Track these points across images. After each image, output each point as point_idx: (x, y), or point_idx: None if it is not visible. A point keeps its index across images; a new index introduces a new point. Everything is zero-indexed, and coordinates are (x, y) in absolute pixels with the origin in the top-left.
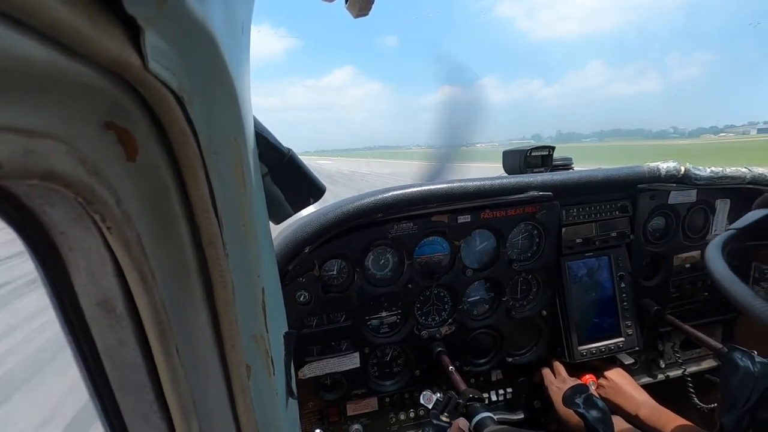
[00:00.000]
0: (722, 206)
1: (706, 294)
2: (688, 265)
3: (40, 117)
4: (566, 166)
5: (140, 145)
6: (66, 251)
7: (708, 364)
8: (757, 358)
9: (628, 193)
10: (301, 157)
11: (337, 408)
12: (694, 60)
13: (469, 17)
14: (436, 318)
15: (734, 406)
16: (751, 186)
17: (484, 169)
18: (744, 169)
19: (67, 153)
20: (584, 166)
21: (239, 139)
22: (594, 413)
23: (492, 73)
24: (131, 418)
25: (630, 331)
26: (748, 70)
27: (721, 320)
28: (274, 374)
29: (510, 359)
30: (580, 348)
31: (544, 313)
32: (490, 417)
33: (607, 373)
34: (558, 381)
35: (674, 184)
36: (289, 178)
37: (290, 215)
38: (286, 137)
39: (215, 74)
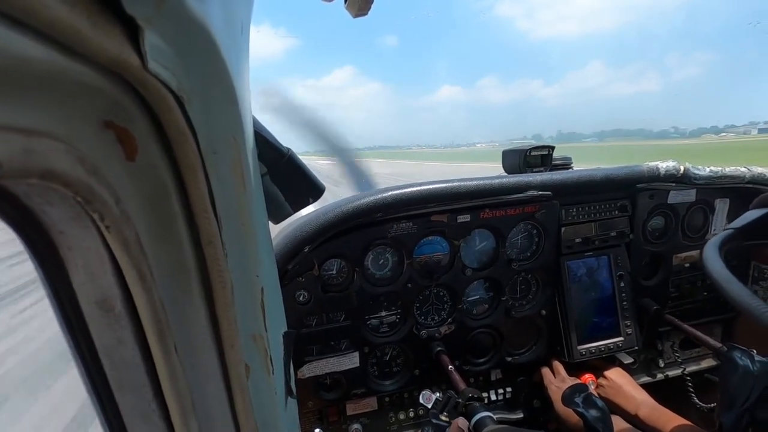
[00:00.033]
0: (721, 206)
1: (706, 293)
2: (687, 265)
3: (39, 116)
4: (566, 165)
5: (139, 144)
6: (65, 250)
7: (707, 363)
8: (757, 357)
9: (627, 193)
10: (301, 157)
11: (337, 407)
12: (694, 60)
13: (469, 17)
14: (436, 317)
15: (733, 406)
16: (751, 185)
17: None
18: (743, 169)
19: (66, 152)
20: (585, 166)
21: (238, 139)
22: (593, 413)
23: (492, 73)
24: (130, 417)
25: (629, 331)
26: (748, 70)
27: (721, 319)
28: (273, 374)
29: (509, 359)
30: (580, 347)
31: (544, 312)
32: (490, 416)
33: (607, 373)
34: (557, 380)
35: (673, 184)
36: (288, 178)
37: (289, 215)
38: (285, 137)
39: (214, 74)
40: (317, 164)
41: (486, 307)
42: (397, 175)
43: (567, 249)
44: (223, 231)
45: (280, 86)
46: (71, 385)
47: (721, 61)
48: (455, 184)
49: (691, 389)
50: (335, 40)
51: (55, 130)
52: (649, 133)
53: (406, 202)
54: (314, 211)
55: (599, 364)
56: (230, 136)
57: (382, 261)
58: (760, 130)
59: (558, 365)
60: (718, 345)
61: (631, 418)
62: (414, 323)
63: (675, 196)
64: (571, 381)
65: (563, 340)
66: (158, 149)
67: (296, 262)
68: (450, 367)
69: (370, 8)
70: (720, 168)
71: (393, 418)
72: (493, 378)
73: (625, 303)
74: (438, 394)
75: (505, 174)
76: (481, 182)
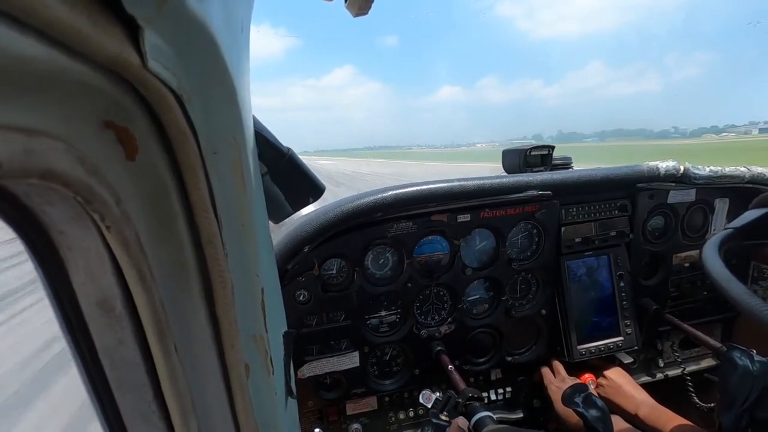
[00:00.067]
0: (721, 205)
1: (705, 293)
2: (687, 265)
3: (39, 116)
4: (566, 165)
5: (140, 144)
6: (65, 250)
7: (707, 363)
8: (756, 357)
9: (627, 193)
10: (301, 157)
11: (337, 407)
12: (694, 60)
13: (468, 17)
14: (436, 317)
15: (733, 405)
16: (750, 185)
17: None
18: (743, 168)
19: (66, 152)
20: (585, 166)
21: (239, 139)
22: (593, 412)
23: (492, 73)
24: (130, 417)
25: (629, 330)
26: (747, 69)
27: (720, 319)
28: (273, 373)
29: (509, 358)
30: (580, 347)
31: (544, 312)
32: (490, 416)
33: (607, 373)
34: (557, 380)
35: (673, 184)
36: (288, 178)
37: (290, 215)
38: (286, 137)
39: (214, 73)
40: (317, 164)
41: (486, 307)
42: (397, 175)
43: (567, 249)
44: (224, 231)
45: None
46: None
47: (721, 61)
48: (455, 183)
49: (690, 389)
50: (335, 39)
51: (55, 129)
52: (650, 133)
53: (406, 202)
54: (314, 210)
55: (599, 363)
56: (230, 135)
57: (382, 260)
58: (761, 130)
59: (558, 365)
60: (718, 345)
61: (631, 418)
62: (414, 323)
63: (675, 196)
64: (571, 381)
65: (563, 339)
66: (158, 149)
67: (296, 261)
68: (450, 366)
69: (370, 7)
70: (720, 168)
71: (393, 418)
72: (493, 378)
73: (624, 303)
74: (438, 394)
75: (505, 174)
76: (481, 182)
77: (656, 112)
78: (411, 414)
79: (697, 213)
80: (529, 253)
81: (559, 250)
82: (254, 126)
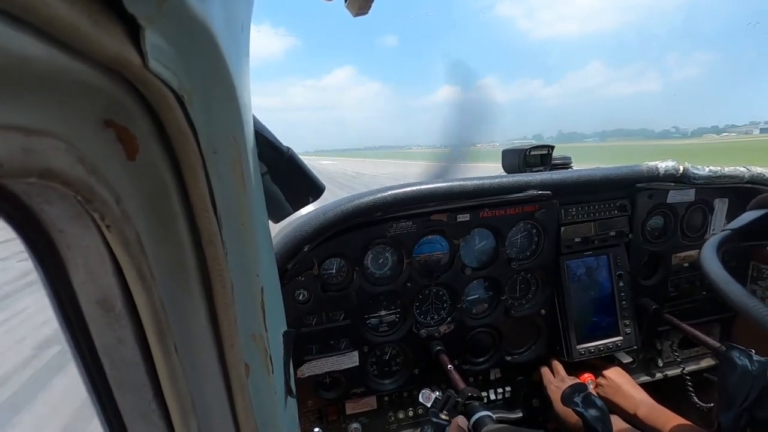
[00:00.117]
0: (720, 205)
1: (704, 293)
2: (686, 264)
3: (39, 115)
4: (565, 165)
5: (140, 143)
6: (65, 249)
7: (706, 362)
8: (755, 357)
9: (626, 193)
10: (301, 157)
11: (336, 407)
12: (693, 60)
13: (468, 17)
14: (435, 317)
15: (732, 405)
16: (750, 185)
17: (489, 169)
18: (742, 169)
19: (66, 151)
20: (586, 166)
21: (239, 138)
22: (592, 412)
23: (492, 73)
24: (130, 417)
25: (628, 330)
26: (747, 69)
27: (719, 319)
28: (272, 373)
29: (509, 358)
30: (579, 347)
31: (543, 312)
32: (489, 416)
33: (606, 372)
34: (557, 380)
35: (673, 184)
36: (288, 177)
37: (289, 214)
38: (286, 137)
39: (215, 73)
40: (318, 164)
41: (485, 307)
42: (399, 176)
43: (566, 248)
44: (224, 230)
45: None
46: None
47: (721, 61)
48: (455, 183)
49: (690, 389)
50: (335, 39)
51: (55, 128)
52: (651, 133)
53: (405, 201)
54: (314, 210)
55: (598, 363)
56: (230, 135)
57: (381, 260)
58: (762, 130)
59: (557, 365)
60: (717, 344)
61: (630, 418)
62: (413, 322)
63: (674, 196)
64: (571, 380)
65: (562, 339)
66: (159, 148)
67: (296, 261)
68: (449, 366)
69: (370, 7)
70: (719, 168)
71: (392, 417)
72: (492, 377)
73: (624, 302)
74: (437, 393)
75: (505, 173)
76: (481, 182)
77: (657, 112)
78: (410, 413)
79: (696, 213)
80: (528, 253)
81: (559, 250)
82: (254, 126)
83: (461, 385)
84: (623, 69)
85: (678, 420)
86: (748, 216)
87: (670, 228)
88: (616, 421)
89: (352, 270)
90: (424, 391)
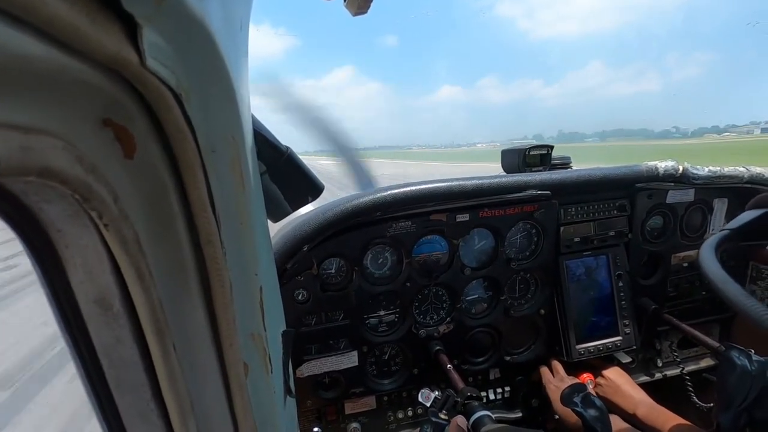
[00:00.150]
0: (720, 206)
1: (704, 293)
2: (685, 264)
3: (37, 114)
4: (564, 165)
5: (138, 142)
6: (63, 248)
7: (705, 362)
8: (754, 357)
9: (626, 192)
10: (301, 157)
11: (335, 406)
12: (693, 60)
13: (468, 17)
14: (435, 317)
15: (731, 405)
16: (749, 185)
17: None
18: (742, 169)
19: (64, 150)
20: (586, 166)
21: (237, 137)
22: (592, 412)
23: (492, 73)
24: (129, 417)
25: (628, 330)
26: (747, 69)
27: (719, 319)
28: (271, 373)
29: (508, 358)
30: (578, 347)
31: (542, 311)
32: (488, 415)
33: (605, 372)
34: (556, 380)
35: (672, 184)
36: (287, 177)
37: (288, 214)
38: (285, 137)
39: (213, 72)
40: (317, 164)
41: (485, 307)
42: (400, 176)
43: (566, 248)
44: (222, 230)
45: (284, 85)
46: None
47: (721, 61)
48: (454, 183)
49: (690, 389)
50: (335, 39)
51: (54, 127)
52: (651, 133)
53: (405, 201)
54: (313, 210)
55: (598, 363)
56: (229, 134)
57: (381, 260)
58: (763, 130)
59: (557, 364)
60: (716, 344)
61: (630, 418)
62: (413, 322)
63: (674, 196)
64: (570, 380)
65: (562, 339)
66: (157, 147)
67: (295, 261)
68: (449, 366)
69: (369, 6)
70: (719, 168)
71: (391, 417)
72: (491, 377)
73: (623, 302)
74: (437, 393)
75: (504, 173)
76: (480, 181)
77: (657, 112)
78: (410, 413)
79: (695, 213)
80: (527, 253)
81: (558, 250)
82: (253, 125)
83: (460, 384)
84: (623, 69)
85: (677, 420)
86: (747, 216)
87: (669, 228)
88: (616, 421)
89: (352, 270)
90: (423, 390)
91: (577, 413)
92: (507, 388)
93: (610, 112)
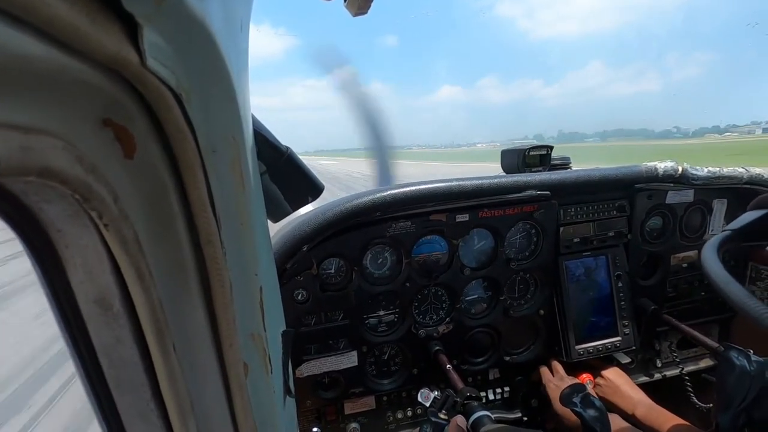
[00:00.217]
0: (719, 206)
1: (703, 293)
2: (685, 265)
3: (37, 114)
4: (564, 165)
5: (138, 142)
6: (63, 248)
7: (705, 363)
8: (753, 358)
9: (625, 193)
10: (301, 157)
11: (335, 406)
12: (693, 60)
13: (468, 17)
14: (434, 317)
15: (730, 405)
16: (749, 186)
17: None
18: (741, 169)
19: (64, 150)
20: (586, 166)
21: (238, 138)
22: (591, 412)
23: (492, 73)
24: (128, 417)
25: (627, 331)
26: (747, 70)
27: (718, 319)
28: (271, 373)
29: (507, 358)
30: (578, 347)
31: (542, 312)
32: (488, 415)
33: (604, 372)
34: (556, 379)
35: (672, 184)
36: (287, 177)
37: (288, 214)
38: (286, 137)
39: (213, 72)
40: (317, 164)
41: (484, 307)
42: (400, 177)
43: (565, 249)
44: (222, 230)
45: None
46: None
47: (721, 61)
48: (454, 183)
49: (688, 389)
50: (335, 39)
51: (54, 127)
52: (652, 133)
53: (404, 201)
54: (313, 210)
55: (597, 363)
56: (229, 134)
57: (380, 260)
58: (764, 130)
59: (556, 364)
60: (715, 345)
61: (629, 418)
62: (412, 322)
63: (673, 197)
64: (570, 380)
65: (561, 339)
66: (157, 148)
67: (295, 261)
68: (448, 366)
69: (369, 7)
70: (718, 169)
71: (391, 417)
72: (491, 377)
73: (623, 303)
74: (436, 393)
75: (504, 174)
76: (480, 182)
77: (657, 112)
78: (409, 413)
79: (695, 213)
80: (527, 253)
81: (558, 250)
82: (253, 125)
83: (460, 385)
84: (623, 69)
85: (676, 420)
86: (748, 216)
87: (668, 228)
88: (615, 421)
89: (351, 270)
90: (422, 390)
91: (577, 413)
92: (506, 388)
93: (611, 112)
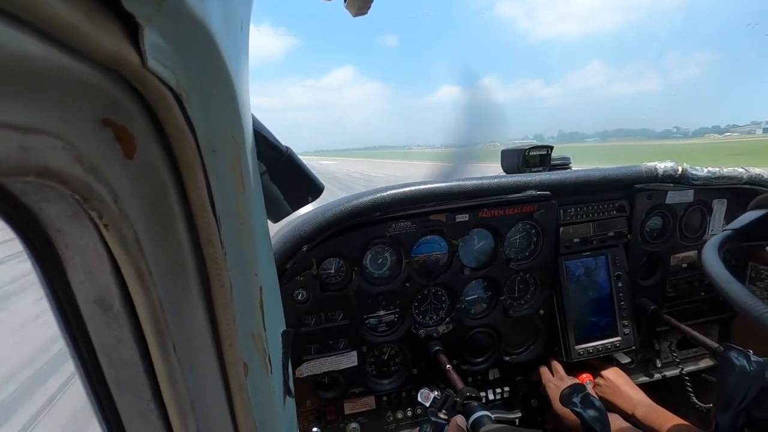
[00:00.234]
0: (719, 206)
1: (703, 293)
2: (684, 265)
3: (36, 114)
4: (564, 165)
5: (138, 142)
6: (62, 248)
7: (704, 363)
8: (753, 358)
9: (625, 193)
10: (301, 157)
11: (335, 406)
12: (693, 60)
13: (468, 17)
14: (434, 317)
15: (730, 406)
16: (748, 186)
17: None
18: (741, 170)
19: (64, 150)
20: (586, 167)
21: (238, 138)
22: (591, 412)
23: (492, 73)
24: (128, 417)
25: (627, 331)
26: (747, 70)
27: (718, 320)
28: (271, 373)
29: (507, 358)
30: (577, 347)
31: (542, 312)
32: (488, 415)
33: (604, 373)
34: (555, 380)
35: (672, 184)
36: (287, 177)
37: (288, 214)
38: (286, 137)
39: (214, 72)
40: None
41: (484, 307)
42: (400, 178)
43: (565, 249)
44: (222, 230)
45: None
46: None
47: (721, 61)
48: (454, 183)
49: (688, 389)
50: (335, 39)
51: (53, 127)
52: (652, 133)
53: (404, 202)
54: (313, 210)
55: (597, 363)
56: (229, 134)
57: (380, 260)
58: (765, 130)
59: (556, 365)
60: (715, 345)
61: (629, 418)
62: (412, 322)
63: (673, 197)
64: (570, 380)
65: (561, 339)
66: (157, 148)
67: (295, 261)
68: (448, 366)
69: (369, 7)
70: (718, 169)
71: (391, 417)
72: (491, 377)
73: (622, 303)
74: (436, 393)
75: (504, 174)
76: (480, 182)
77: (657, 112)
78: (409, 413)
79: (695, 214)
80: (527, 253)
81: (558, 251)
82: (253, 125)
83: (460, 385)
84: (623, 69)
85: (676, 420)
86: (749, 216)
87: (668, 229)
88: (615, 421)
89: (351, 270)
90: (422, 390)
91: (576, 413)
92: (506, 388)
93: (611, 112)
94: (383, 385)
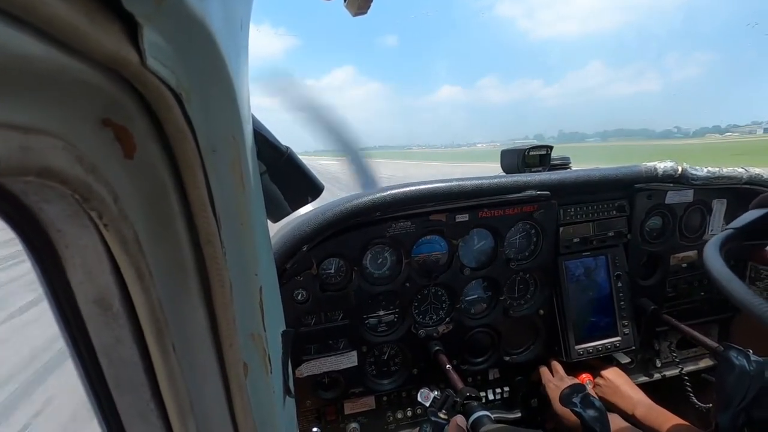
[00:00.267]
0: (719, 206)
1: (703, 293)
2: (684, 265)
3: (36, 114)
4: (564, 165)
5: (138, 142)
6: (62, 248)
7: (704, 363)
8: (753, 357)
9: (625, 193)
10: (301, 157)
11: (335, 406)
12: (694, 60)
13: (468, 17)
14: (434, 317)
15: (730, 405)
16: (748, 186)
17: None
18: (740, 170)
19: (64, 150)
20: (586, 167)
21: (238, 137)
22: (591, 412)
23: (492, 73)
24: (128, 417)
25: (627, 331)
26: (748, 70)
27: (718, 319)
28: (271, 373)
29: (507, 358)
30: (577, 347)
31: (542, 312)
32: (487, 415)
33: (604, 373)
34: (555, 380)
35: (671, 184)
36: (287, 177)
37: (288, 214)
38: (286, 137)
39: (213, 72)
40: (317, 164)
41: (484, 307)
42: (400, 178)
43: (565, 249)
44: (222, 230)
45: (295, 82)
46: None
47: (721, 61)
48: (454, 183)
49: (688, 389)
50: (335, 39)
51: (53, 127)
52: (652, 133)
53: (404, 201)
54: (313, 210)
55: (597, 363)
56: (229, 134)
57: (380, 260)
58: (765, 130)
59: (556, 364)
60: (715, 345)
61: (628, 418)
62: (412, 322)
63: (673, 197)
64: (570, 380)
65: (561, 339)
66: (157, 147)
67: (295, 261)
68: (448, 366)
69: (369, 7)
70: (718, 169)
71: (391, 417)
72: (491, 377)
73: (622, 303)
74: (436, 393)
75: (504, 174)
76: (480, 182)
77: (657, 112)
78: (409, 413)
79: (694, 214)
80: (527, 253)
81: (557, 251)
82: (253, 125)
83: (460, 385)
84: (623, 69)
85: (676, 420)
86: (750, 215)
87: (668, 228)
88: (614, 421)
89: (351, 270)
90: (422, 390)
91: (576, 413)
92: (506, 388)
93: (611, 112)
94: (383, 385)
